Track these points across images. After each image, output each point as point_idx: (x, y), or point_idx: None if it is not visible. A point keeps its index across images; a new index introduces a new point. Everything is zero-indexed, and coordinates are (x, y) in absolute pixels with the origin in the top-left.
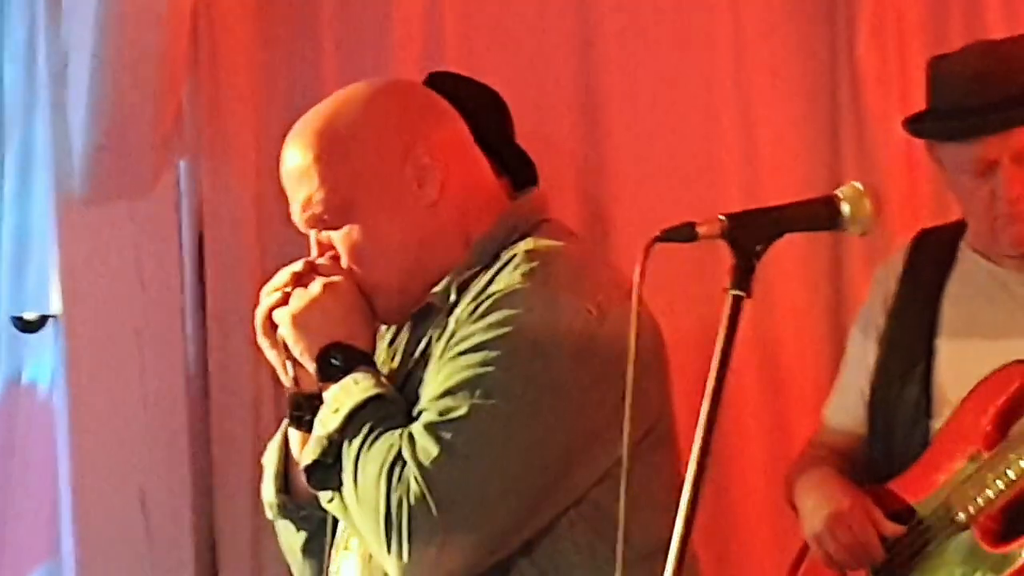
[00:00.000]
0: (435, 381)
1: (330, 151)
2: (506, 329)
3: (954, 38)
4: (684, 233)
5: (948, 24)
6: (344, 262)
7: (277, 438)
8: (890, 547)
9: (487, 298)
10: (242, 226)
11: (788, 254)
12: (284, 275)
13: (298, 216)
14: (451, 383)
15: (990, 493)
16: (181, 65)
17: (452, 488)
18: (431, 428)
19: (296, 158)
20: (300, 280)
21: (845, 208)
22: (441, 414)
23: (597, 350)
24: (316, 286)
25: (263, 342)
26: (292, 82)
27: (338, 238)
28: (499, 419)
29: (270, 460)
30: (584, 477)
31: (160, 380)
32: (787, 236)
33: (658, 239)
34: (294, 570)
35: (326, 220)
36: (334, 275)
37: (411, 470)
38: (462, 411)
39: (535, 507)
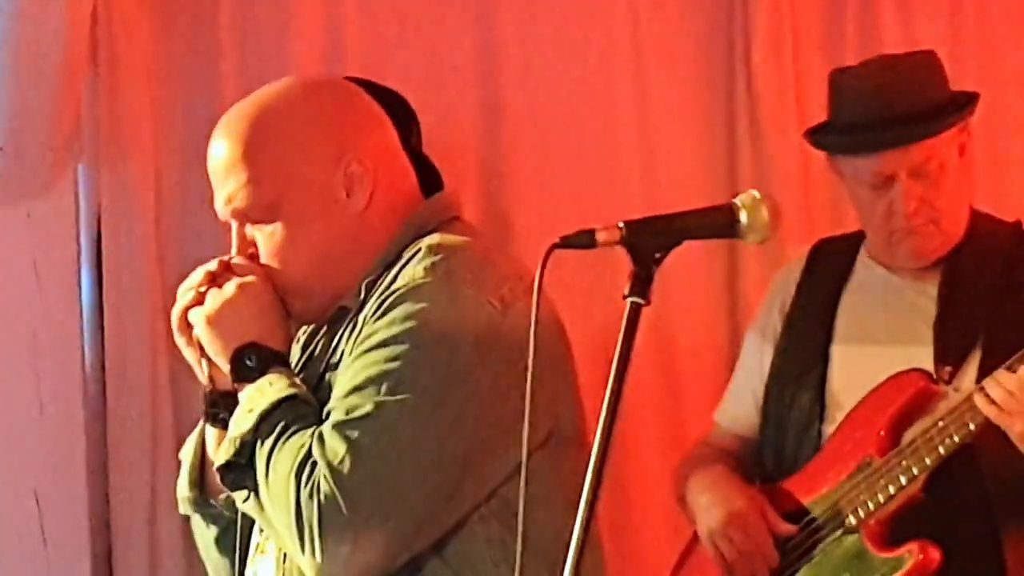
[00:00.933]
0: (343, 380)
1: (262, 147)
2: (410, 324)
3: (849, 51)
4: (583, 240)
5: (843, 38)
6: (264, 258)
7: (194, 434)
8: (780, 546)
9: (391, 294)
10: (140, 229)
11: (686, 261)
12: (199, 274)
13: (222, 207)
14: (357, 381)
15: (881, 498)
16: (81, 69)
17: (361, 487)
18: (339, 427)
19: (225, 149)
20: (215, 280)
21: (743, 216)
22: (348, 412)
23: (500, 343)
24: (231, 287)
25: (179, 341)
26: (191, 87)
27: (261, 235)
28: (405, 414)
29: (186, 455)
30: (494, 470)
31: (57, 382)
32: (685, 243)
33: (557, 246)
34: (209, 568)
35: (250, 215)
36: (249, 275)
37: (321, 470)
38: (368, 408)
39: (447, 501)
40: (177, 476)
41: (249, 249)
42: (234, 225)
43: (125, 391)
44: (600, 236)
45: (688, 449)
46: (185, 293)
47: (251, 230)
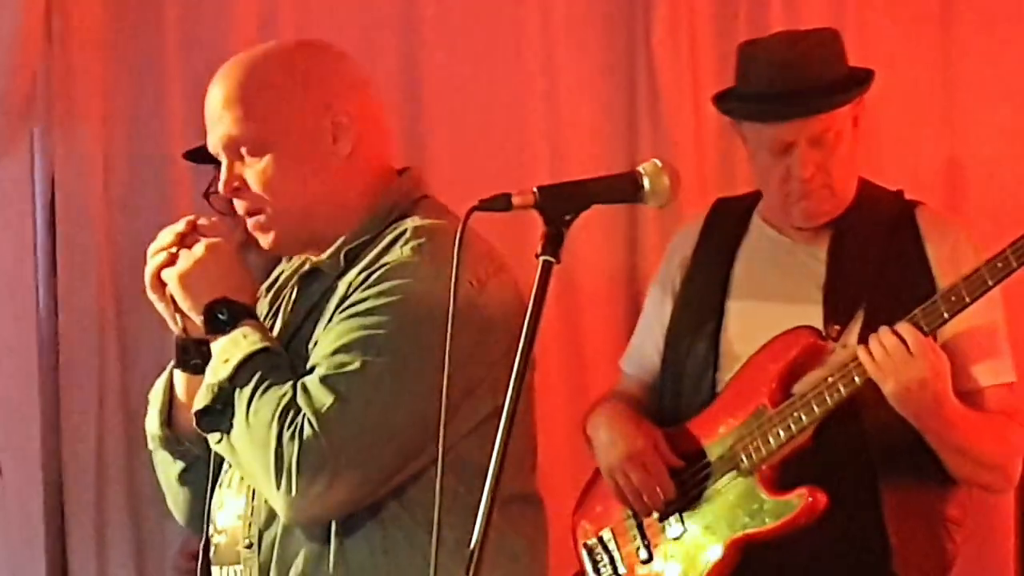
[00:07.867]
0: (327, 339)
1: (257, 89)
2: (396, 296)
3: (740, 32)
4: (500, 203)
5: (735, 20)
6: (254, 188)
7: (163, 377)
8: (677, 482)
9: (379, 268)
10: (90, 189)
11: (588, 222)
12: (168, 235)
13: (216, 140)
14: (344, 341)
15: (773, 444)
16: (36, 39)
17: (344, 431)
18: (325, 380)
19: (225, 86)
20: (184, 241)
21: (646, 183)
22: (335, 368)
23: (476, 317)
24: (200, 248)
25: (152, 297)
26: (138, 57)
27: (251, 170)
28: (388, 374)
29: (156, 396)
30: (457, 429)
31: (14, 327)
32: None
33: (476, 208)
34: (169, 498)
35: (242, 143)
36: (215, 236)
37: (306, 415)
38: (355, 366)
39: (415, 452)
40: (121, 414)
41: (234, 183)
42: (224, 161)
43: (76, 336)
44: (516, 200)
45: (595, 400)
46: (156, 254)
47: (240, 167)
